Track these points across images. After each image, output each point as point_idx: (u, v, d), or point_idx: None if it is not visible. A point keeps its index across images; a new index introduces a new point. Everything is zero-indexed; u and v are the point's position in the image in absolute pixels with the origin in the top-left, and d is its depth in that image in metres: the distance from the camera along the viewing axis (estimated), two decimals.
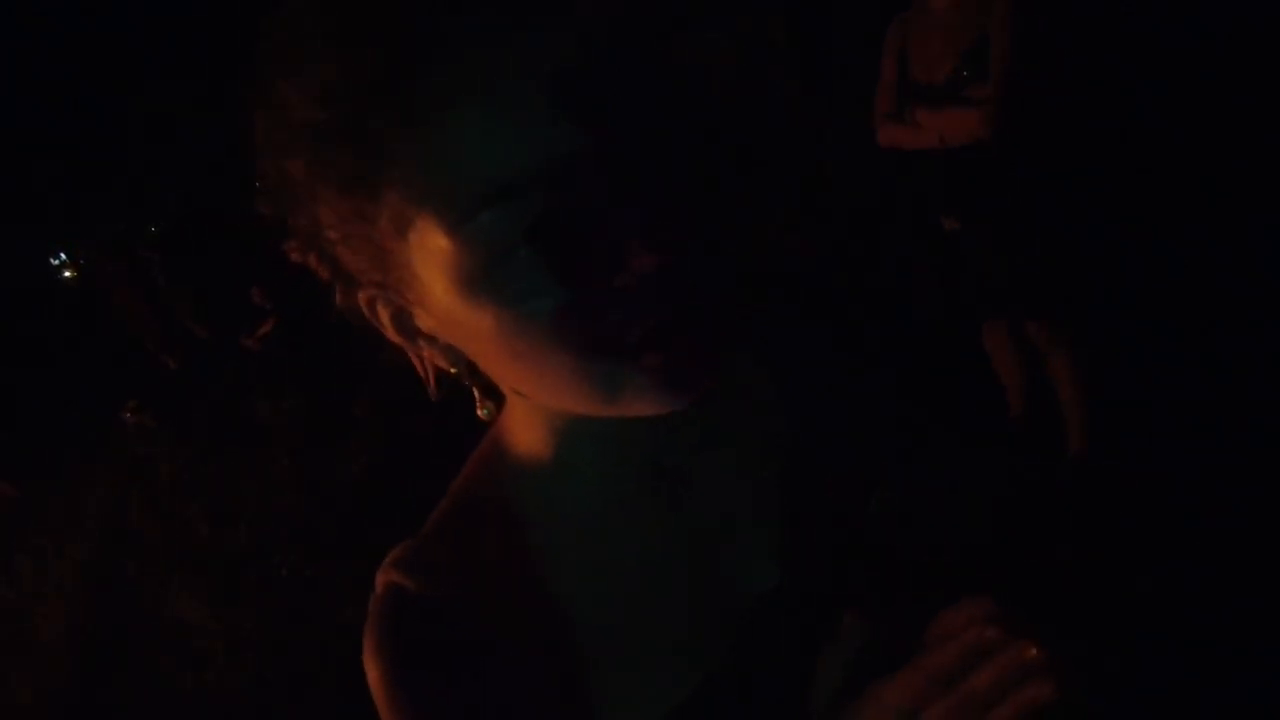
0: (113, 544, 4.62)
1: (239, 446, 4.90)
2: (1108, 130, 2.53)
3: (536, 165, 0.34)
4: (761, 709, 0.47)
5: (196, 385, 6.88)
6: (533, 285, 0.36)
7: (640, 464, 0.49)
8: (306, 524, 3.70)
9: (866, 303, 2.97)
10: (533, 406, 0.47)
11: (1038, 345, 2.03)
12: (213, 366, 7.03)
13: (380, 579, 0.48)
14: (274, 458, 4.64)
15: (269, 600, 3.30)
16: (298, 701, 2.57)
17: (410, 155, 0.35)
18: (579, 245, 0.36)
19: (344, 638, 2.43)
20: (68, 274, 23.34)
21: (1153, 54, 2.79)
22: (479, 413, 0.47)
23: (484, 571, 0.47)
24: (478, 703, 0.45)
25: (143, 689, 3.15)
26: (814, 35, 3.55)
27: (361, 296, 0.43)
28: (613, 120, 0.35)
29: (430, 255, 0.37)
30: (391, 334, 0.44)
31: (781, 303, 0.60)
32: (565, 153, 0.34)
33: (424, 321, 0.43)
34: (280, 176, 0.39)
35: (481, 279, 0.37)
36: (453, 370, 0.44)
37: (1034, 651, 0.35)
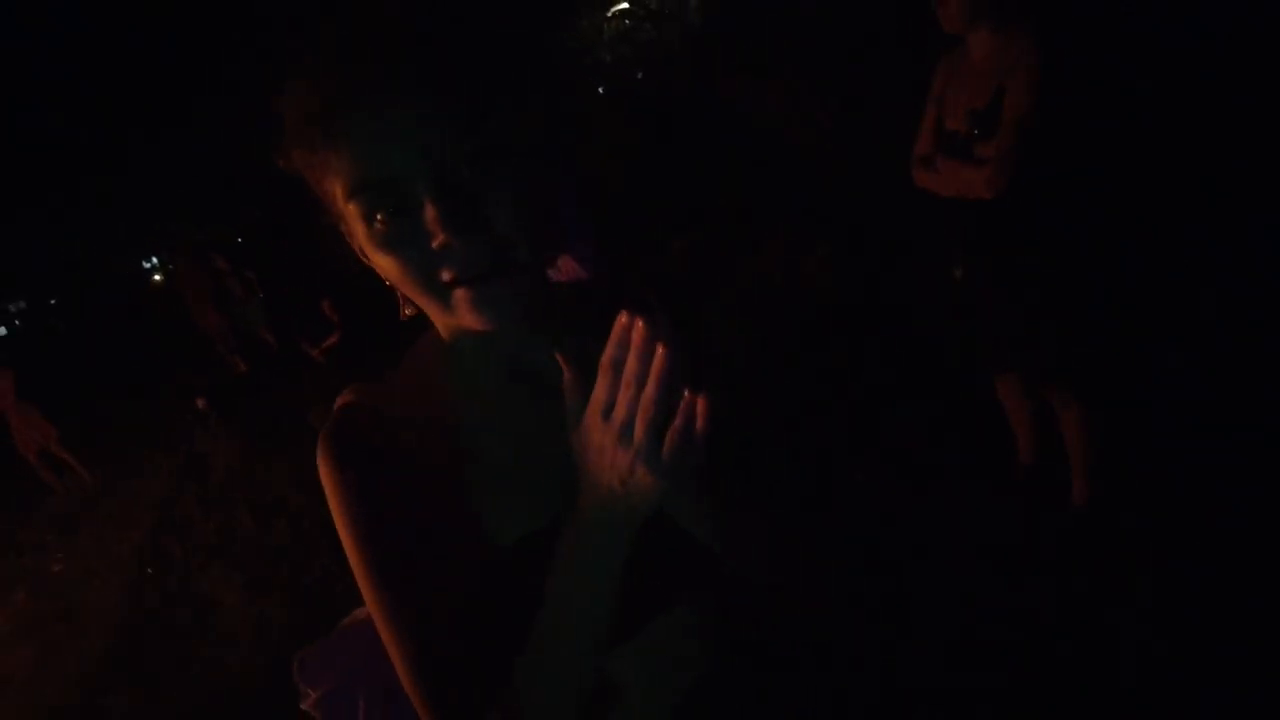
0: (164, 529, 4.89)
1: (288, 449, 5.14)
2: (1114, 195, 2.51)
3: (383, 175, 0.60)
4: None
5: (259, 388, 7.21)
6: (390, 242, 0.62)
7: (508, 361, 0.74)
8: None
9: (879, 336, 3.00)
10: (433, 320, 0.73)
11: (1048, 399, 2.04)
12: (276, 372, 7.35)
13: (337, 400, 0.74)
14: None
15: (298, 593, 3.47)
16: None
17: (333, 155, 0.62)
18: (406, 222, 0.62)
19: None
20: (157, 277, 24.78)
21: (1165, 129, 2.76)
22: (405, 310, 0.71)
23: (408, 405, 0.73)
24: (391, 491, 0.68)
25: (177, 661, 3.33)
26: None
27: (344, 228, 0.68)
28: (432, 159, 0.59)
29: (349, 213, 0.64)
30: (360, 256, 0.69)
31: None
32: (400, 172, 0.60)
33: (365, 256, 0.68)
34: (290, 155, 0.65)
35: (367, 233, 0.63)
36: (387, 281, 0.67)
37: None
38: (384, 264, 0.63)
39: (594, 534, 0.60)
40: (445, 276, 0.62)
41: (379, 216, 0.61)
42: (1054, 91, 1.64)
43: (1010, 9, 1.71)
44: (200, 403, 6.83)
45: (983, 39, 1.76)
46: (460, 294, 0.62)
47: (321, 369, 6.63)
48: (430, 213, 0.59)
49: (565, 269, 1.92)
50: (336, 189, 0.63)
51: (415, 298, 0.65)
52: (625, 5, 10.85)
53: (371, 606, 0.67)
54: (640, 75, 9.92)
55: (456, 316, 0.64)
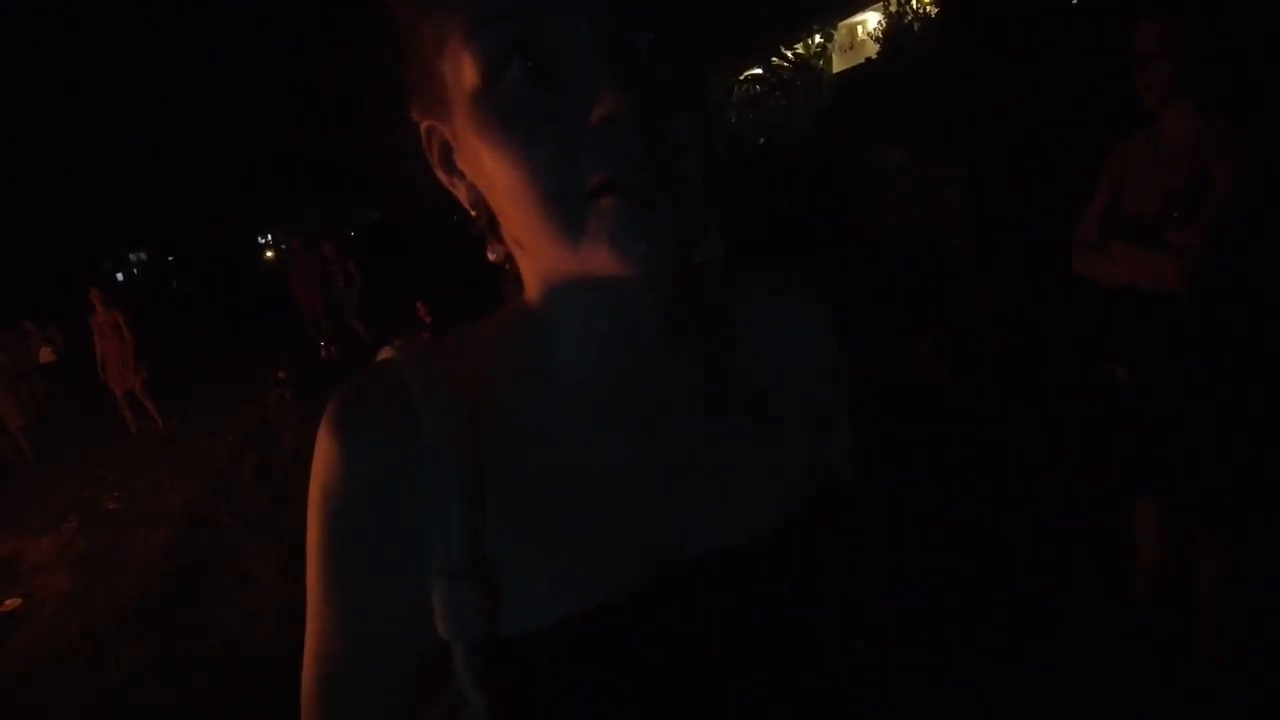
0: (219, 492, 4.94)
1: None
2: None
3: (528, 1, 0.41)
4: (643, 665, 0.46)
5: (340, 375, 7.36)
6: (521, 110, 0.41)
7: (625, 358, 0.50)
8: None
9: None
10: (532, 271, 0.50)
11: (1188, 534, 1.79)
12: (359, 363, 7.50)
13: (378, 355, 0.52)
14: None
15: None
16: None
17: None
18: (555, 74, 0.41)
19: None
20: (269, 254, 26.15)
21: None
22: (489, 255, 0.51)
23: (465, 387, 0.49)
24: (394, 506, 0.46)
25: (198, 625, 3.28)
26: None
27: (424, 127, 0.49)
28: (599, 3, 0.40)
29: (455, 69, 0.44)
30: (439, 168, 0.50)
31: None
32: (554, 3, 0.40)
33: (459, 159, 0.48)
34: (387, 12, 0.48)
35: (482, 99, 0.42)
36: (474, 213, 0.50)
37: None
38: (497, 154, 0.42)
39: None
40: (593, 179, 0.41)
41: (513, 68, 0.41)
42: (1266, 183, 1.50)
43: (1217, 90, 1.61)
44: (281, 376, 6.99)
45: (1181, 117, 1.64)
46: (608, 206, 0.41)
47: None
48: (598, 65, 0.40)
49: None
50: (451, 28, 0.43)
51: (525, 219, 0.44)
52: (758, 71, 11.02)
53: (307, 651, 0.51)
54: (762, 141, 9.99)
55: (581, 252, 0.43)
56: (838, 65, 10.73)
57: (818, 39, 10.67)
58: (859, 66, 9.88)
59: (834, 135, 6.18)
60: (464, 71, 0.43)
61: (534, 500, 0.47)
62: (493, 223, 0.49)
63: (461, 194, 0.50)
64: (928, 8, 8.88)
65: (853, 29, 12.11)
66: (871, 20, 11.29)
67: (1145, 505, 1.93)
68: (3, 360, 7.62)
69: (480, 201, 0.49)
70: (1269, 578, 1.86)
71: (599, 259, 0.42)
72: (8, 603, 4.00)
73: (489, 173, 0.44)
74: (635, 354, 0.50)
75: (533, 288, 0.50)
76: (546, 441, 0.49)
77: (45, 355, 8.58)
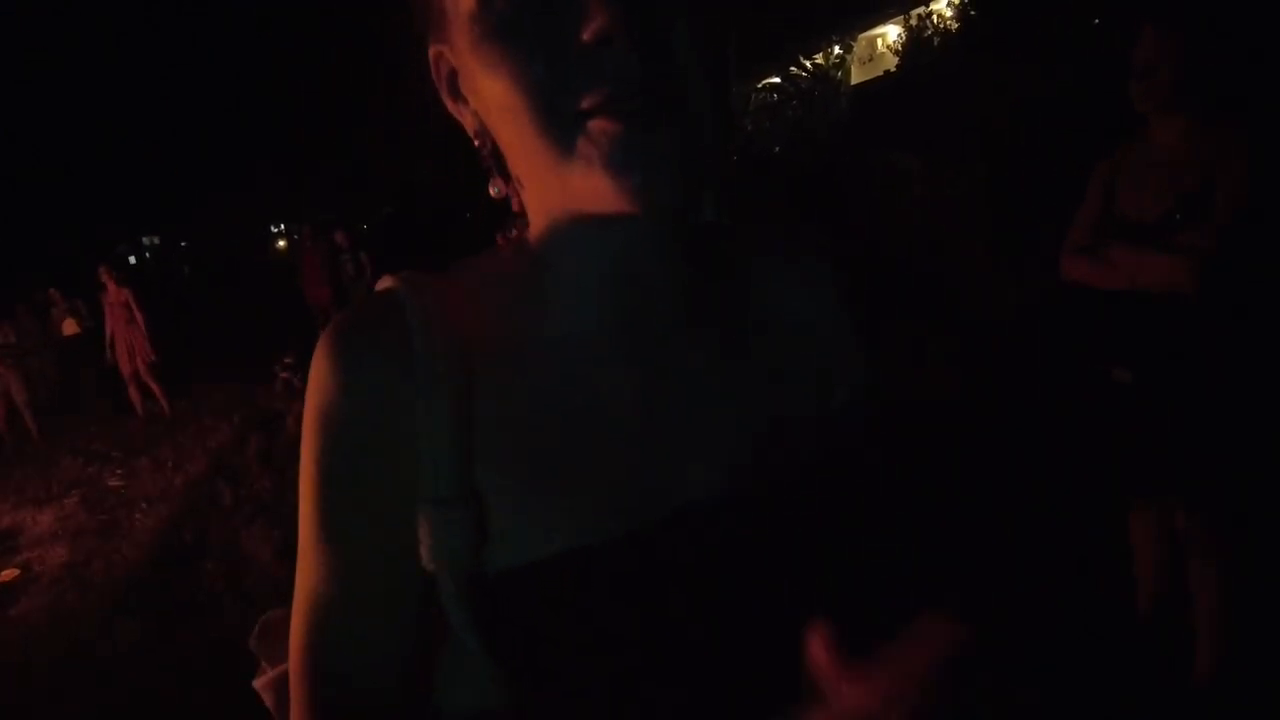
0: (221, 475, 4.95)
1: None
2: None
3: None
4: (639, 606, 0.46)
5: None
6: (514, 27, 0.40)
7: (624, 294, 0.48)
8: None
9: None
10: (533, 205, 0.49)
11: (1188, 542, 1.77)
12: None
13: (378, 284, 0.51)
14: None
15: None
16: None
17: None
18: (541, 6, 0.39)
19: None
20: (281, 244, 26.29)
21: None
22: (490, 191, 0.49)
23: (457, 317, 0.48)
24: (363, 391, 0.45)
25: (194, 604, 3.28)
26: None
27: (432, 52, 0.48)
28: None
29: (460, 2, 0.43)
30: (446, 95, 0.49)
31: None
32: None
33: (462, 84, 0.47)
34: None
35: (480, 19, 0.41)
36: (477, 142, 0.48)
37: None
38: (492, 73, 0.41)
39: None
40: (585, 101, 0.39)
41: None
42: (1269, 186, 1.52)
43: (1216, 95, 1.62)
44: (287, 361, 7.01)
45: (1177, 126, 1.65)
46: (602, 128, 0.39)
47: None
48: None
49: None
50: None
51: (521, 141, 0.42)
52: (776, 80, 11.03)
53: (299, 569, 0.49)
54: (778, 149, 9.99)
55: (575, 176, 0.41)
56: (857, 77, 10.73)
57: (837, 50, 10.68)
58: (877, 79, 9.89)
59: (850, 144, 6.18)
60: None
61: (528, 434, 0.46)
62: (497, 155, 0.48)
63: (467, 121, 0.49)
64: (948, 22, 8.88)
65: (873, 41, 12.12)
66: (892, 33, 11.30)
67: (1142, 516, 1.92)
68: (12, 337, 7.67)
69: (483, 130, 0.47)
70: (1268, 588, 1.84)
71: (593, 185, 0.40)
72: (5, 573, 4.01)
73: (485, 95, 0.43)
74: (638, 293, 0.48)
75: (535, 222, 0.49)
76: (544, 377, 0.48)
77: (70, 327, 8.60)
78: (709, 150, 0.42)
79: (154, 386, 7.11)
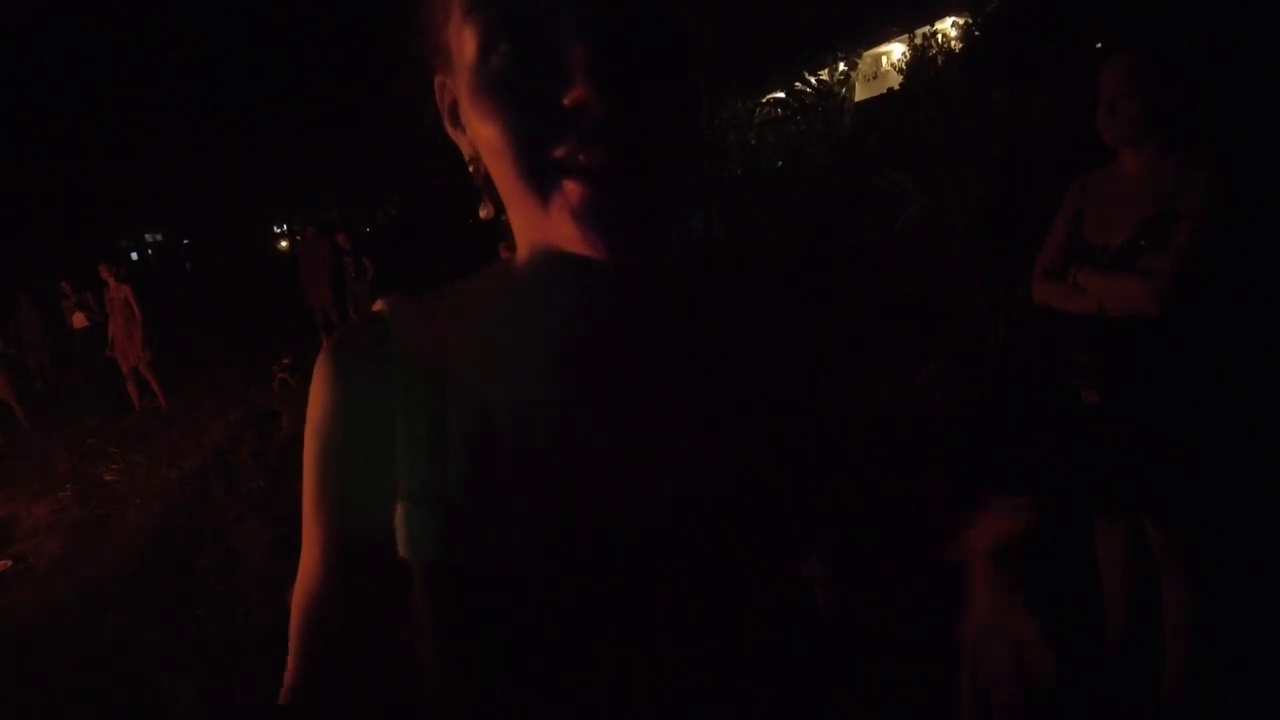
0: (215, 471, 4.97)
1: None
2: None
3: None
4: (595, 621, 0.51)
5: None
6: (504, 80, 0.45)
7: (591, 320, 0.54)
8: None
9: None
10: (518, 231, 0.54)
11: (1157, 559, 1.80)
12: None
13: (374, 305, 0.57)
14: None
15: None
16: None
17: None
18: (533, 63, 0.44)
19: None
20: (283, 244, 26.35)
21: None
22: (480, 212, 0.55)
23: (437, 334, 0.54)
24: (349, 403, 0.53)
25: (185, 599, 3.30)
26: None
27: (437, 81, 0.54)
28: None
29: (458, 39, 0.48)
30: (447, 121, 0.54)
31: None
32: None
33: (462, 116, 0.52)
34: None
35: (476, 70, 0.46)
36: (471, 168, 0.54)
37: None
38: (483, 120, 0.46)
39: None
40: (559, 150, 0.44)
41: (501, 44, 0.45)
42: (1234, 217, 1.57)
43: (1180, 127, 1.66)
44: (285, 361, 7.04)
45: (1143, 156, 1.70)
46: (572, 187, 0.44)
47: None
48: (575, 53, 0.43)
49: None
50: (456, 2, 0.48)
51: (505, 181, 0.48)
52: (780, 95, 11.10)
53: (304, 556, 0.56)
54: (781, 164, 10.04)
55: (550, 220, 0.46)
56: (861, 94, 10.80)
57: (842, 67, 10.76)
58: (881, 96, 9.95)
59: (852, 162, 6.22)
60: (464, 43, 0.47)
61: (496, 443, 0.52)
62: (488, 182, 0.53)
63: (464, 147, 0.54)
64: (953, 43, 8.95)
65: (877, 59, 12.20)
66: (896, 52, 11.38)
67: (1110, 539, 1.95)
68: (10, 331, 7.71)
69: (477, 158, 0.53)
70: (1236, 609, 1.87)
71: (564, 232, 0.46)
72: None
73: (477, 136, 0.48)
74: (607, 321, 0.54)
75: (520, 247, 0.55)
76: (516, 392, 0.53)
77: (79, 320, 8.63)
78: (674, 198, 0.47)
79: (152, 381, 7.14)
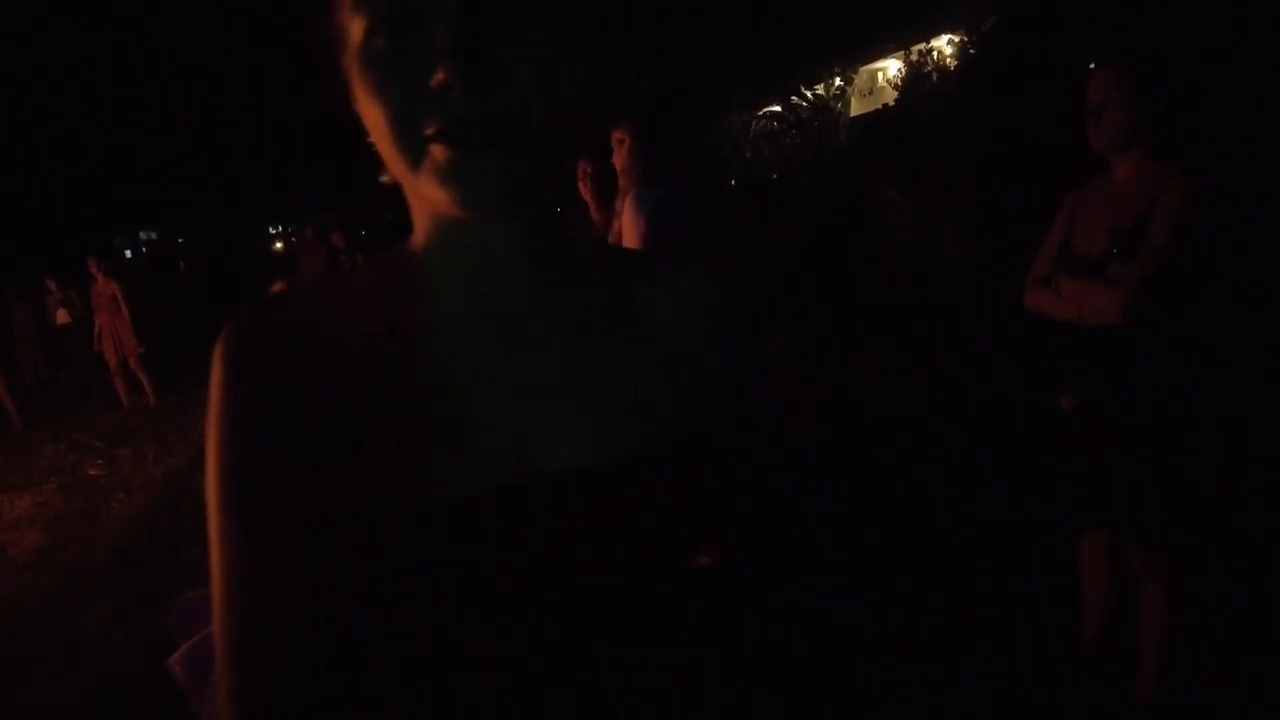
0: (200, 468, 4.93)
1: None
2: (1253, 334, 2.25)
3: None
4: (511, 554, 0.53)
5: None
6: (380, 62, 0.49)
7: (484, 285, 0.56)
8: None
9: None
10: (412, 203, 0.57)
11: (1135, 570, 1.81)
12: None
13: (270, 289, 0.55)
14: None
15: None
16: None
17: None
18: (408, 46, 0.48)
19: None
20: (278, 245, 26.32)
21: None
22: (383, 179, 0.57)
23: (355, 313, 0.56)
24: (290, 422, 0.53)
25: (168, 595, 3.27)
26: None
27: (344, 62, 0.55)
28: None
29: (349, 23, 0.51)
30: (352, 99, 0.56)
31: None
32: None
33: (353, 92, 0.54)
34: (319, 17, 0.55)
35: (362, 53, 0.50)
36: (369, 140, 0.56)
37: None
38: (365, 99, 0.51)
39: None
40: (429, 128, 0.48)
41: (379, 26, 0.49)
42: (1206, 226, 1.59)
43: (1166, 138, 1.68)
44: None
45: (1131, 163, 1.72)
46: (437, 152, 0.49)
47: None
48: (444, 39, 0.47)
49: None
50: (345, 8, 0.51)
51: (387, 155, 0.52)
52: (777, 109, 11.17)
53: (212, 559, 0.55)
54: (775, 176, 10.10)
55: (422, 186, 0.50)
56: (856, 109, 10.88)
57: (838, 81, 10.83)
58: (876, 112, 10.02)
59: (846, 176, 6.27)
60: (353, 29, 0.51)
61: (400, 403, 0.54)
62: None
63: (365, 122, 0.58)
64: (948, 59, 9.03)
65: (873, 74, 12.29)
66: (892, 68, 11.46)
67: (1091, 547, 1.96)
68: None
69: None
70: (1212, 617, 1.88)
71: (433, 194, 0.50)
72: None
73: (364, 114, 0.52)
74: (494, 280, 0.56)
75: (417, 221, 0.58)
76: (415, 356, 0.55)
77: (61, 317, 8.61)
78: (536, 167, 0.51)
79: (142, 378, 7.11)
